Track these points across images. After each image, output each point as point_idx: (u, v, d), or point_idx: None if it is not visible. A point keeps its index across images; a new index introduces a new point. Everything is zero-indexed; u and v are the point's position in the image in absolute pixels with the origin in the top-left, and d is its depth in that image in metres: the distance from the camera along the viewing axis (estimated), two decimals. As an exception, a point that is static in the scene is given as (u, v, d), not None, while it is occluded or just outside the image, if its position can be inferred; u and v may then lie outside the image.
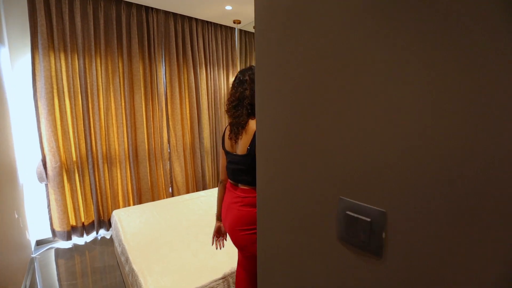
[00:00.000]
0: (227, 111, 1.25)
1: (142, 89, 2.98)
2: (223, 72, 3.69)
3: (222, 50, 3.62)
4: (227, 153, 1.29)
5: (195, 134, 3.43)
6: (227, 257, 1.71)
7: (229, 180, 1.31)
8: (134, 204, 2.96)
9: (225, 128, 1.32)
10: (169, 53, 3.16)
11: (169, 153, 3.34)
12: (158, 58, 3.07)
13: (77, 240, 2.71)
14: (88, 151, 2.68)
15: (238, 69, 3.75)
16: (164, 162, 3.25)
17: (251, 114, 1.18)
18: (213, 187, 3.71)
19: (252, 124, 1.16)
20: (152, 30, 2.97)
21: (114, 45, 2.73)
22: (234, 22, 3.44)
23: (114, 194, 2.87)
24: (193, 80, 3.34)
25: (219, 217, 1.41)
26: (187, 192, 3.43)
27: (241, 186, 1.23)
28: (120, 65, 2.84)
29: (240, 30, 3.74)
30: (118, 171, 2.91)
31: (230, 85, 1.40)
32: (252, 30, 3.77)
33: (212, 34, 3.48)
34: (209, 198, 2.83)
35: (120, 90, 2.83)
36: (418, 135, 0.37)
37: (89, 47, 2.61)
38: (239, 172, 1.21)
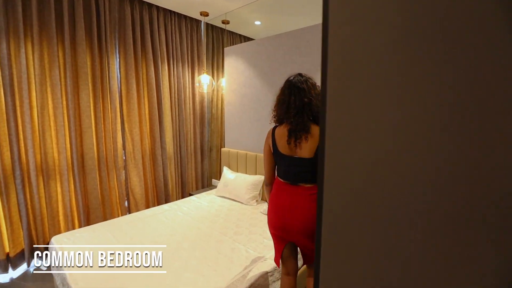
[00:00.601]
0: (284, 118, 1.32)
1: (90, 84, 2.47)
2: (188, 69, 3.32)
3: (187, 45, 3.26)
4: (284, 156, 1.33)
5: (156, 138, 3.00)
6: (209, 290, 1.42)
7: (281, 181, 1.36)
8: (80, 226, 2.43)
9: (273, 133, 1.37)
10: (124, 44, 2.69)
11: (125, 160, 2.85)
12: (110, 49, 2.58)
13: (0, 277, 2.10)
14: (15, 161, 2.09)
15: (205, 67, 3.43)
16: (119, 171, 2.76)
17: (313, 121, 1.28)
18: (177, 199, 3.31)
19: (317, 130, 1.26)
20: (103, 15, 2.48)
21: (52, 28, 2.19)
22: (201, 14, 3.11)
23: (53, 214, 2.31)
24: (154, 76, 2.91)
25: None
26: (147, 206, 2.98)
27: (303, 185, 1.31)
28: (61, 54, 2.29)
29: (207, 24, 3.42)
30: (58, 185, 2.35)
31: (279, 91, 1.41)
32: (221, 25, 3.48)
33: (175, 26, 3.09)
34: (174, 212, 2.47)
35: (61, 85, 2.29)
36: None
37: (15, 28, 2.03)
38: (305, 174, 1.30)
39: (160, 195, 3.08)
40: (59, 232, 2.30)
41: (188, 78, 3.33)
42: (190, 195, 3.34)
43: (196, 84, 3.28)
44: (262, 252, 1.83)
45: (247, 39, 3.94)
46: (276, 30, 3.56)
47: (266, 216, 2.39)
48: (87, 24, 2.40)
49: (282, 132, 1.33)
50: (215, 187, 3.46)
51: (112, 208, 2.70)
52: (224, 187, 2.87)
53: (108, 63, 2.57)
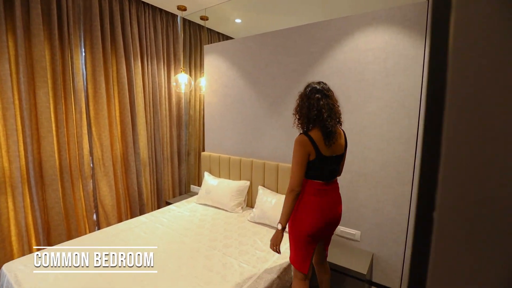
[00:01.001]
0: (317, 121, 1.38)
1: (49, 82, 2.13)
2: (164, 68, 3.07)
3: (162, 41, 3.00)
4: (326, 158, 1.41)
5: (128, 143, 2.71)
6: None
7: (317, 181, 1.43)
8: (38, 246, 2.07)
9: (311, 140, 1.37)
10: (91, 37, 2.38)
11: (92, 168, 2.53)
12: (74, 42, 2.26)
13: None
14: (-49, 174, 1.71)
15: (182, 65, 3.20)
16: (85, 181, 2.43)
17: (339, 122, 1.47)
18: (153, 208, 3.04)
19: (340, 129, 1.50)
20: (64, 1, 2.15)
21: None
22: (179, 9, 2.88)
23: (3, 236, 1.93)
24: (125, 74, 2.62)
25: (285, 227, 1.44)
26: (120, 218, 2.67)
27: (334, 179, 1.52)
28: (11, 44, 1.94)
29: (184, 19, 3.20)
30: (10, 200, 1.98)
31: (304, 97, 1.46)
32: (200, 21, 3.28)
33: (149, 19, 2.83)
34: (153, 224, 2.22)
35: (12, 81, 1.93)
36: None
37: (-50, 11, 1.66)
38: (336, 169, 1.51)
39: (134, 206, 2.79)
40: (12, 258, 1.93)
41: (164, 77, 3.07)
42: (167, 203, 3.08)
43: (173, 84, 3.04)
44: (256, 265, 1.70)
45: (226, 37, 3.78)
46: (257, 30, 3.45)
47: (254, 224, 2.26)
48: (44, 10, 2.06)
49: (318, 136, 1.39)
50: (194, 193, 3.24)
51: (78, 223, 2.37)
52: (206, 194, 2.68)
53: (72, 58, 2.24)
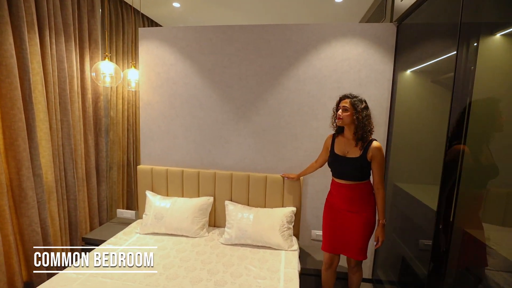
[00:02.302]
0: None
1: None
2: (76, 50, 2.16)
3: (73, 12, 2.10)
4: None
5: (22, 161, 1.74)
6: None
7: None
8: None
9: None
10: None
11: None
12: None
13: None
14: None
15: (101, 49, 2.37)
16: None
17: None
18: (63, 253, 2.09)
19: None
20: None
21: None
22: (102, -28, 2.10)
23: None
24: (13, 52, 1.66)
25: None
26: (11, 283, 1.67)
27: None
28: None
29: (102, -11, 2.37)
30: None
31: (366, 105, 1.55)
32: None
33: (53, -23, 1.91)
34: (89, 283, 1.51)
35: None
36: None
37: None
38: None
39: (30, 258, 1.81)
40: None
41: (76, 63, 2.17)
42: (86, 242, 2.22)
43: (92, 74, 2.19)
44: (270, 300, 1.44)
45: (155, 24, 3.10)
46: (200, 20, 3.04)
47: (234, 248, 1.94)
48: None
49: None
50: (124, 220, 2.48)
51: None
52: (156, 220, 2.09)
53: None
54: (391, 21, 2.00)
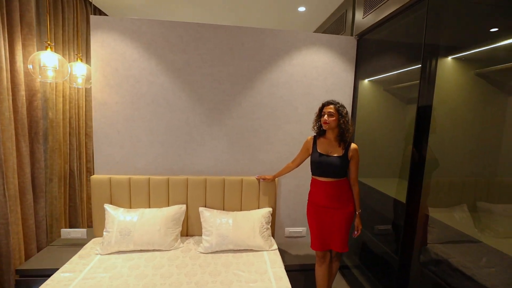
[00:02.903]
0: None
1: None
2: (4, 34, 1.71)
3: (1, -13, 1.66)
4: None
5: None
6: None
7: None
8: None
9: None
10: None
11: None
12: None
13: None
14: None
15: (36, 36, 1.94)
16: None
17: None
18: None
19: None
20: None
21: None
22: None
23: None
24: None
25: None
26: None
27: None
28: None
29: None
30: None
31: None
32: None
33: None
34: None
35: None
36: None
37: None
38: None
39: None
40: None
41: (5, 51, 1.72)
42: (21, 276, 1.81)
43: (29, 67, 1.77)
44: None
45: (99, 12, 2.70)
46: (155, 13, 2.81)
47: (215, 255, 1.87)
48: None
49: None
50: (74, 241, 2.11)
51: None
52: (122, 237, 1.84)
53: None
54: (351, 35, 2.25)
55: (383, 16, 1.78)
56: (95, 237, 2.06)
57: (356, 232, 1.75)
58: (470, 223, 1.39)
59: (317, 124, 1.76)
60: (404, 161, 2.06)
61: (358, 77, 2.22)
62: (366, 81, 2.20)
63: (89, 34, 2.12)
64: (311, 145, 1.79)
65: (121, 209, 1.98)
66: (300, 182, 2.29)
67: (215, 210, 2.08)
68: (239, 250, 1.94)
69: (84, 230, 2.15)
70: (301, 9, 2.63)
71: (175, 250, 1.92)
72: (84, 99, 2.61)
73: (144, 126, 2.08)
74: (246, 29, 2.09)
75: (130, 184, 2.05)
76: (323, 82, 2.22)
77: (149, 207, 2.08)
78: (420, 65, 1.45)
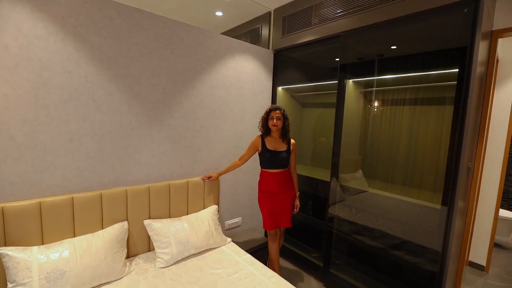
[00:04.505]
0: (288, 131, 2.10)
1: None
2: None
3: None
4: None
5: None
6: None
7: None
8: None
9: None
10: None
11: None
12: None
13: None
14: None
15: None
16: None
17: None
18: None
19: None
20: None
21: None
22: None
23: None
24: None
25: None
26: None
27: None
28: None
29: None
30: None
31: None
32: None
33: None
34: None
35: None
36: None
37: None
38: None
39: None
40: None
41: None
42: None
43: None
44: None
45: None
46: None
47: (180, 265, 1.84)
48: None
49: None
50: None
51: None
52: (53, 283, 1.35)
53: None
54: (268, 47, 2.67)
55: (301, 41, 2.32)
56: (-19, 302, 1.33)
57: (295, 210, 2.22)
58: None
59: (264, 125, 2.05)
60: (315, 151, 2.78)
61: (275, 85, 2.69)
62: (280, 88, 2.72)
63: None
64: (260, 143, 2.06)
65: (34, 248, 1.41)
66: (236, 178, 2.50)
67: (164, 219, 1.91)
68: (200, 252, 1.93)
69: None
70: (219, 13, 2.75)
71: (128, 276, 1.62)
72: None
73: (59, 131, 1.54)
74: (186, 26, 2.01)
75: (40, 210, 1.48)
76: (251, 86, 2.52)
77: (74, 235, 1.59)
78: (337, 81, 2.09)
